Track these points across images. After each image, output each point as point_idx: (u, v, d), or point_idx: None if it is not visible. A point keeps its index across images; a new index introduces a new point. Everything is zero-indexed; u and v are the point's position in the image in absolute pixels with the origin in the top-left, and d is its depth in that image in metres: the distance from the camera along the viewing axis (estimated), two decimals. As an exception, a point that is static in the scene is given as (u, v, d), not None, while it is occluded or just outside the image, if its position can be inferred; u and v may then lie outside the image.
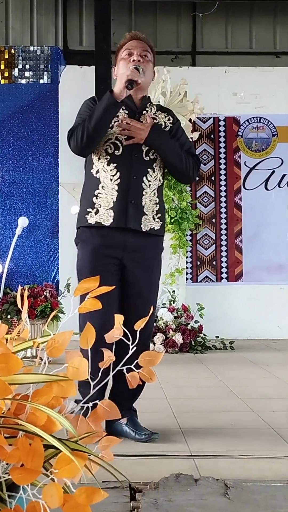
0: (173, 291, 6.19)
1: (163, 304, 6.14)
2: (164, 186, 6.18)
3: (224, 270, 7.07)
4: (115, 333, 1.36)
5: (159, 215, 2.83)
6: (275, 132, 7.13)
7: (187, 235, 6.57)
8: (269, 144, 7.15)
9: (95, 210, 2.76)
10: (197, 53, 7.34)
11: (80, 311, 1.32)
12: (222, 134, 7.09)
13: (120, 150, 2.77)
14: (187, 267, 6.81)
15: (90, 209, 2.78)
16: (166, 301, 6.18)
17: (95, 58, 6.72)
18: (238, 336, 6.72)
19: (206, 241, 7.04)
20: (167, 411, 3.35)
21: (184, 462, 2.47)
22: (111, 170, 2.75)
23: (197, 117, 6.49)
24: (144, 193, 2.78)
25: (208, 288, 6.96)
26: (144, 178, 2.79)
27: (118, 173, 2.74)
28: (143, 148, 2.79)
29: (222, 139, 7.11)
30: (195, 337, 5.91)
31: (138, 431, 2.80)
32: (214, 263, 7.05)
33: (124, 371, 1.41)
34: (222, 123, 7.04)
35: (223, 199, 7.10)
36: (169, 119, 2.91)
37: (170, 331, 5.85)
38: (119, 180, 2.74)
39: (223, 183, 7.10)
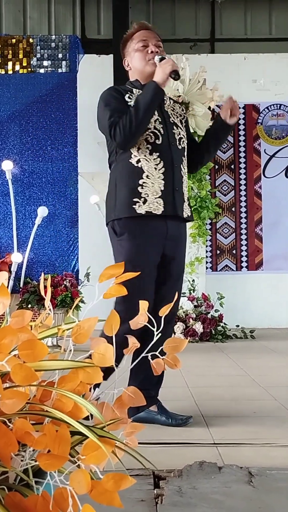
0: (193, 280, 6.17)
1: (183, 293, 6.12)
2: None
3: (244, 259, 7.03)
4: (140, 320, 1.35)
5: (188, 201, 2.91)
6: (295, 119, 7.06)
7: (206, 224, 6.53)
8: (289, 132, 7.08)
9: (142, 199, 2.74)
10: (216, 40, 7.27)
11: (105, 297, 1.31)
12: (241, 121, 7.03)
13: (161, 139, 2.79)
14: (206, 256, 6.78)
15: (136, 199, 2.74)
16: (186, 290, 6.17)
17: (113, 46, 6.69)
18: (259, 325, 6.69)
19: (225, 230, 7.01)
20: (189, 400, 3.34)
21: (207, 450, 2.46)
22: (154, 159, 2.76)
23: (216, 105, 6.44)
24: (183, 180, 2.84)
25: (228, 277, 6.94)
26: (181, 166, 2.84)
27: (162, 162, 2.76)
28: (176, 137, 2.84)
29: (241, 127, 7.06)
30: (215, 326, 5.90)
31: (173, 417, 2.82)
32: (234, 252, 7.01)
33: (149, 357, 1.41)
34: (241, 110, 6.97)
35: (242, 187, 7.05)
36: (183, 110, 3.01)
37: (190, 320, 5.84)
38: (163, 169, 2.76)
39: (242, 171, 7.05)
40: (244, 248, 7.03)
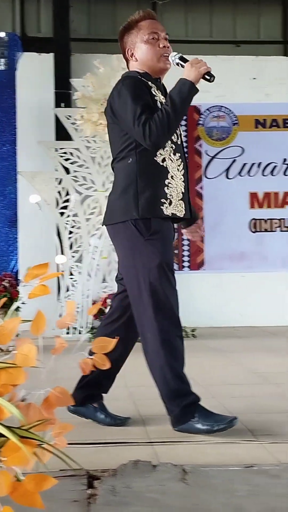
0: (135, 280, 6.17)
1: (125, 293, 6.12)
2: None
3: (186, 258, 7.08)
4: (67, 320, 1.34)
5: None
6: (236, 121, 7.16)
7: (148, 224, 6.55)
8: (230, 133, 7.17)
9: (168, 201, 2.66)
10: (157, 41, 7.30)
11: (30, 297, 1.30)
12: (183, 122, 7.08)
13: (177, 138, 2.73)
14: (149, 256, 6.80)
15: (164, 200, 2.65)
16: (128, 290, 6.16)
17: (53, 45, 6.64)
18: (201, 324, 6.75)
19: (167, 230, 7.05)
20: (127, 399, 3.34)
21: (143, 449, 2.47)
22: (176, 159, 2.70)
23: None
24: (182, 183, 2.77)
25: (170, 277, 6.97)
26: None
27: (182, 163, 2.72)
28: (177, 132, 2.76)
29: (183, 128, 7.11)
30: (157, 326, 5.90)
31: (212, 421, 2.65)
32: (176, 251, 7.06)
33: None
34: (183, 111, 7.02)
35: (184, 187, 7.11)
36: None
37: (132, 320, 5.84)
38: (183, 170, 2.72)
39: (184, 171, 7.11)
40: (186, 248, 7.09)
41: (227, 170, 7.17)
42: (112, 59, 6.12)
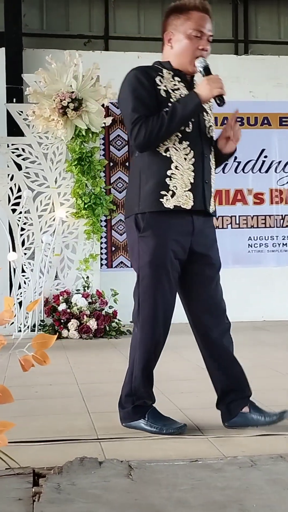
0: (87, 277, 6.17)
1: (77, 290, 6.12)
2: (78, 171, 6.19)
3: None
4: (5, 316, 1.33)
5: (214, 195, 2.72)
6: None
7: (101, 220, 6.54)
8: (183, 131, 7.22)
9: (170, 192, 2.54)
10: (110, 37, 7.29)
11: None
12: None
13: (191, 127, 2.58)
14: (102, 253, 6.80)
15: (164, 192, 2.54)
16: (80, 287, 6.16)
17: (5, 40, 6.56)
18: (153, 321, 6.78)
19: (121, 227, 7.04)
20: (76, 396, 3.35)
21: (90, 446, 2.48)
22: (184, 148, 2.56)
23: (110, 102, 6.46)
24: (212, 172, 2.66)
25: (123, 274, 6.96)
26: (211, 157, 2.67)
27: (192, 151, 2.56)
28: (207, 124, 2.66)
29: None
30: (110, 323, 5.93)
31: (266, 414, 2.64)
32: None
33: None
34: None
35: (137, 184, 7.11)
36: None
37: (85, 317, 5.84)
38: (193, 159, 2.57)
39: (137, 168, 7.11)
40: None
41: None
42: (64, 54, 6.09)
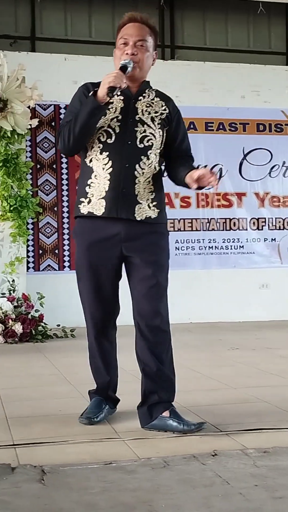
0: (13, 280, 6.09)
1: (2, 294, 6.02)
2: (3, 173, 6.09)
3: (66, 258, 7.06)
4: None
5: (155, 203, 2.73)
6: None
7: (28, 223, 6.47)
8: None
9: (87, 199, 2.72)
10: (37, 38, 7.22)
11: None
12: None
13: (113, 138, 2.70)
14: (28, 256, 6.73)
15: (83, 199, 2.74)
16: (5, 290, 6.07)
17: None
18: (80, 324, 6.73)
19: (48, 230, 6.99)
20: (-5, 402, 3.29)
21: (4, 452, 2.44)
22: (103, 158, 2.69)
23: (37, 104, 6.41)
24: (137, 181, 2.70)
25: (51, 277, 6.93)
26: (137, 166, 2.70)
27: (110, 161, 2.68)
28: (138, 135, 2.72)
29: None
30: (36, 326, 5.86)
31: (185, 422, 2.64)
32: (56, 251, 7.02)
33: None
34: (62, 110, 6.98)
35: (65, 187, 7.07)
36: (165, 109, 2.80)
37: (10, 321, 5.75)
38: (111, 168, 2.68)
39: (64, 171, 7.07)
40: (66, 248, 7.06)
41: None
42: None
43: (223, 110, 7.31)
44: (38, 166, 6.90)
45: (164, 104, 2.82)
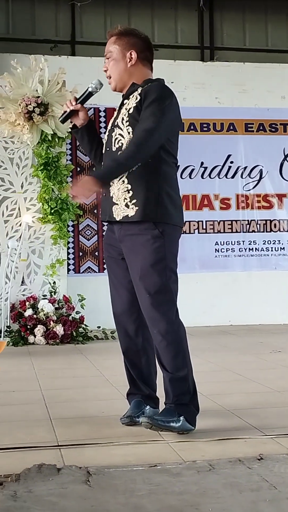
0: (54, 282, 6.15)
1: (43, 296, 6.08)
2: (44, 176, 6.14)
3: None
4: None
5: (133, 201, 2.71)
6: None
7: (68, 225, 6.52)
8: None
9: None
10: (77, 42, 7.28)
11: None
12: (102, 124, 7.10)
13: (104, 148, 2.91)
14: (69, 258, 6.77)
15: None
16: (47, 292, 6.13)
17: None
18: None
19: (88, 232, 7.04)
20: (39, 403, 3.32)
21: (49, 453, 2.46)
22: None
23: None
24: (111, 183, 2.78)
25: (91, 279, 6.96)
26: None
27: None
28: (113, 140, 2.81)
29: (102, 130, 7.12)
30: (76, 328, 5.90)
31: (160, 419, 2.66)
32: (96, 253, 7.05)
33: None
34: (102, 113, 7.04)
35: (104, 189, 7.10)
36: (136, 99, 2.75)
37: (51, 322, 5.80)
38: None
39: (104, 173, 7.10)
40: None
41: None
42: (30, 59, 6.07)
43: (263, 111, 7.25)
44: (78, 169, 6.94)
45: (137, 95, 2.76)
